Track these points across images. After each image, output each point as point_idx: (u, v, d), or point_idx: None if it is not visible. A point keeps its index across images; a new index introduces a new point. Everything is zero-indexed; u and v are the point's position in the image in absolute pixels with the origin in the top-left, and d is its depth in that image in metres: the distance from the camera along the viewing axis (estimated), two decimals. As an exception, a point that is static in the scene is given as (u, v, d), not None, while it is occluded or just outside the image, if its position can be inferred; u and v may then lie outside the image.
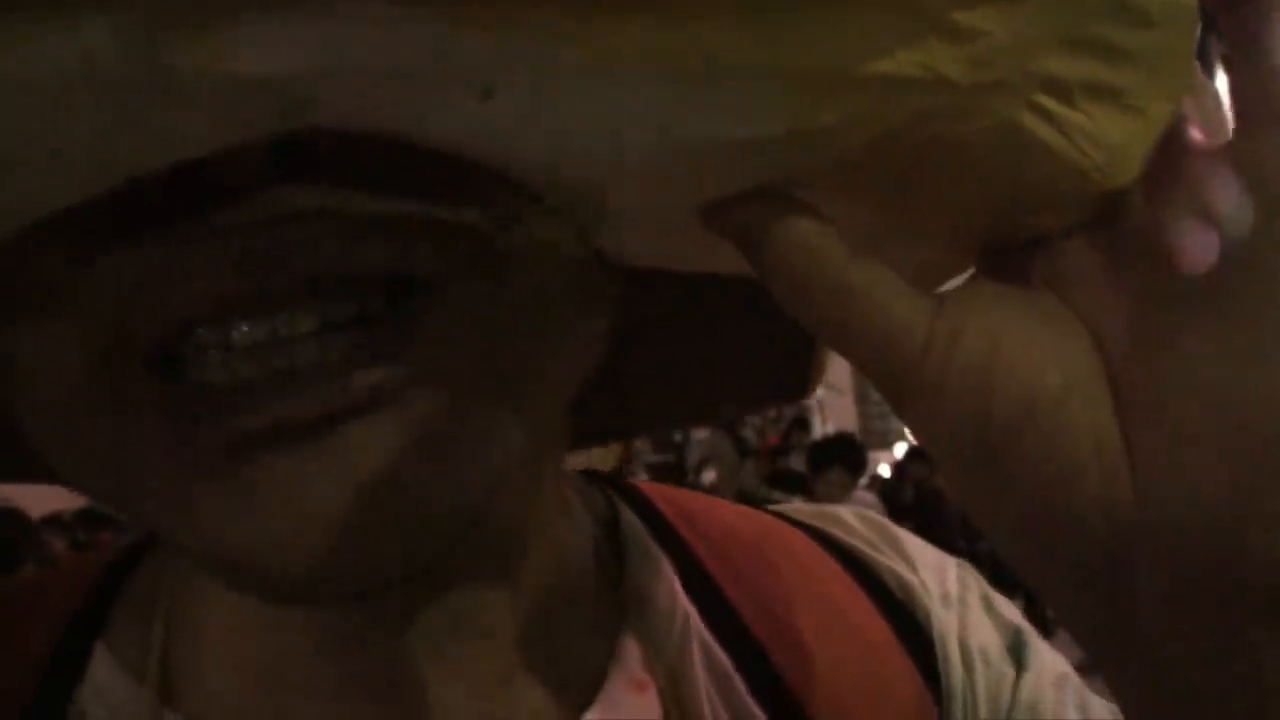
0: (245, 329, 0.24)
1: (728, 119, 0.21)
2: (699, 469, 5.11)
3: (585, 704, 0.34)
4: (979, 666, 0.39)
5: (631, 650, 0.36)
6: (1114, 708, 0.27)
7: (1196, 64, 0.26)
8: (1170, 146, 0.25)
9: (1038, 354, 0.24)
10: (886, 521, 0.44)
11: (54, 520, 3.86)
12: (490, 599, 0.34)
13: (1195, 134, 0.25)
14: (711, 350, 0.42)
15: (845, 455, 4.20)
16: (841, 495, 3.96)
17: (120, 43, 0.18)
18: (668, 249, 0.29)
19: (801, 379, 0.43)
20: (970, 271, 0.28)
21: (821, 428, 6.26)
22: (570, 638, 0.36)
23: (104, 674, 0.34)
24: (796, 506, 0.46)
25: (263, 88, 0.19)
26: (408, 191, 0.24)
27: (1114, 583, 0.24)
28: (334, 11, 0.18)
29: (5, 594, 0.38)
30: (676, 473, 4.97)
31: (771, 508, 0.46)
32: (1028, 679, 0.39)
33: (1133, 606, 0.24)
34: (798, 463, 5.08)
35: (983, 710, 0.38)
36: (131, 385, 0.25)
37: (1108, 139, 0.24)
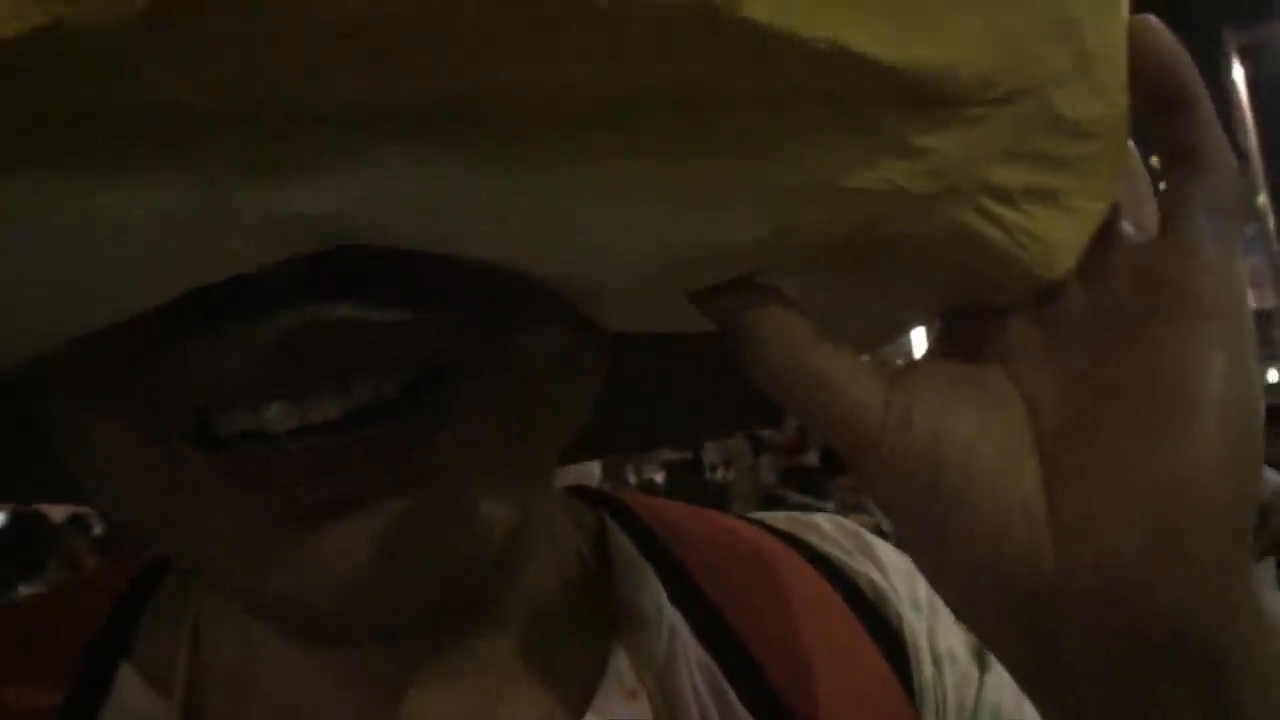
0: (275, 415, 0.28)
1: (716, 229, 0.24)
2: (715, 467, 5.12)
3: (579, 713, 0.36)
4: (947, 667, 0.41)
5: (622, 660, 0.37)
6: None
7: (1134, 157, 0.29)
8: (1105, 238, 0.28)
9: (979, 429, 0.27)
10: (860, 529, 0.46)
11: (76, 520, 3.90)
12: (485, 620, 0.36)
13: (1126, 226, 0.28)
14: (692, 378, 0.44)
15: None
16: (854, 497, 3.95)
17: (192, 188, 0.20)
18: (655, 320, 0.32)
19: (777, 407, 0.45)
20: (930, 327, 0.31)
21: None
22: (562, 650, 0.37)
23: (130, 693, 0.35)
24: (776, 515, 0.47)
25: (310, 220, 0.22)
26: (428, 295, 0.27)
27: (1039, 633, 0.26)
28: (366, 159, 0.20)
29: (31, 608, 0.40)
30: (694, 470, 4.98)
31: (752, 515, 0.47)
32: (990, 679, 0.41)
33: (1055, 653, 0.26)
34: (814, 459, 5.09)
35: (950, 709, 0.40)
36: (185, 462, 0.29)
37: (1046, 235, 0.27)
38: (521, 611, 0.37)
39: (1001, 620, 0.27)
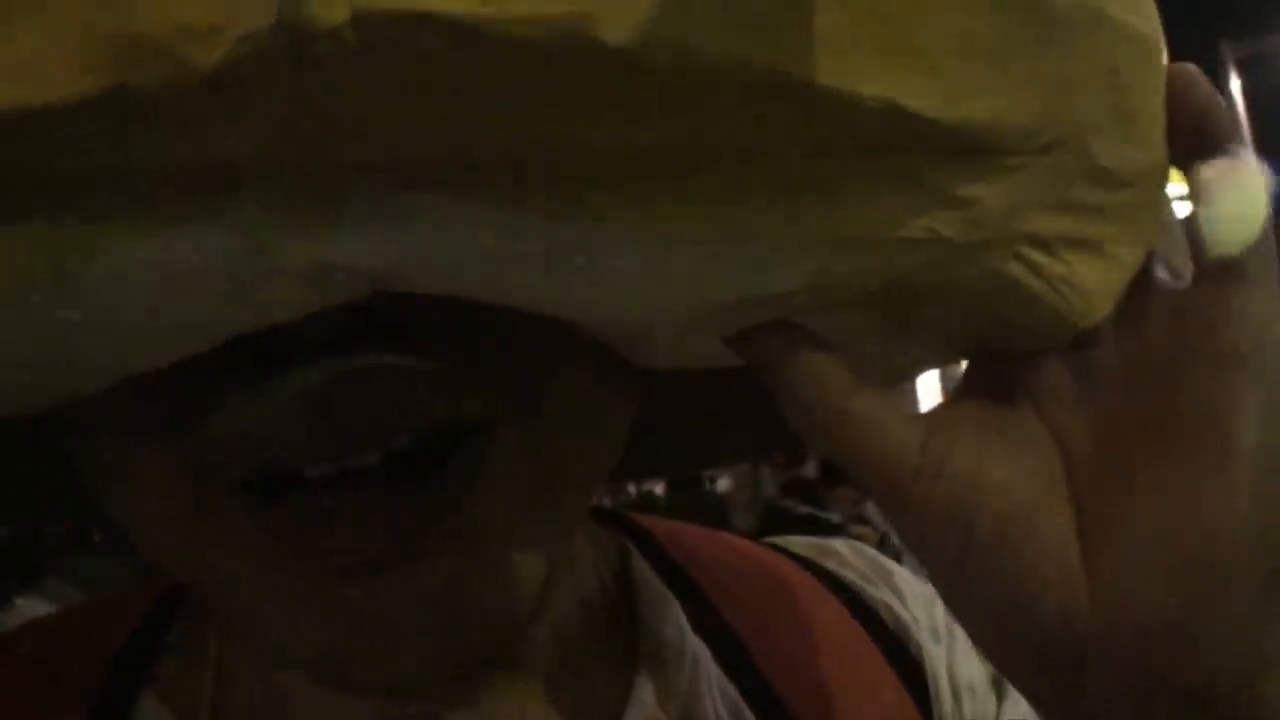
0: (315, 465, 0.28)
1: (758, 279, 0.24)
2: (715, 478, 5.11)
3: None
4: (966, 698, 0.41)
5: (646, 690, 0.38)
6: None
7: (1170, 205, 0.29)
8: (1140, 285, 0.28)
9: (1013, 476, 0.27)
10: (878, 554, 0.47)
11: (76, 533, 3.89)
12: (513, 659, 0.36)
13: (1161, 274, 0.28)
14: (712, 405, 0.44)
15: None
16: (854, 509, 3.93)
17: (236, 239, 0.21)
18: (689, 358, 0.32)
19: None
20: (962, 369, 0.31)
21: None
22: (587, 679, 0.38)
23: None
24: (794, 539, 0.48)
25: (354, 270, 0.22)
26: (461, 345, 0.28)
27: (1069, 679, 0.26)
28: (412, 211, 0.21)
29: (50, 630, 0.40)
30: (693, 482, 4.97)
31: (769, 539, 0.48)
32: (1008, 709, 0.41)
33: (1084, 701, 0.26)
34: (812, 469, 5.08)
35: None
36: (223, 510, 0.29)
37: (1084, 283, 0.27)
38: (548, 644, 0.37)
39: (1032, 667, 0.27)
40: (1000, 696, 0.42)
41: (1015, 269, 0.26)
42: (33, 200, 0.19)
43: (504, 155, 0.20)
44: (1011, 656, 0.28)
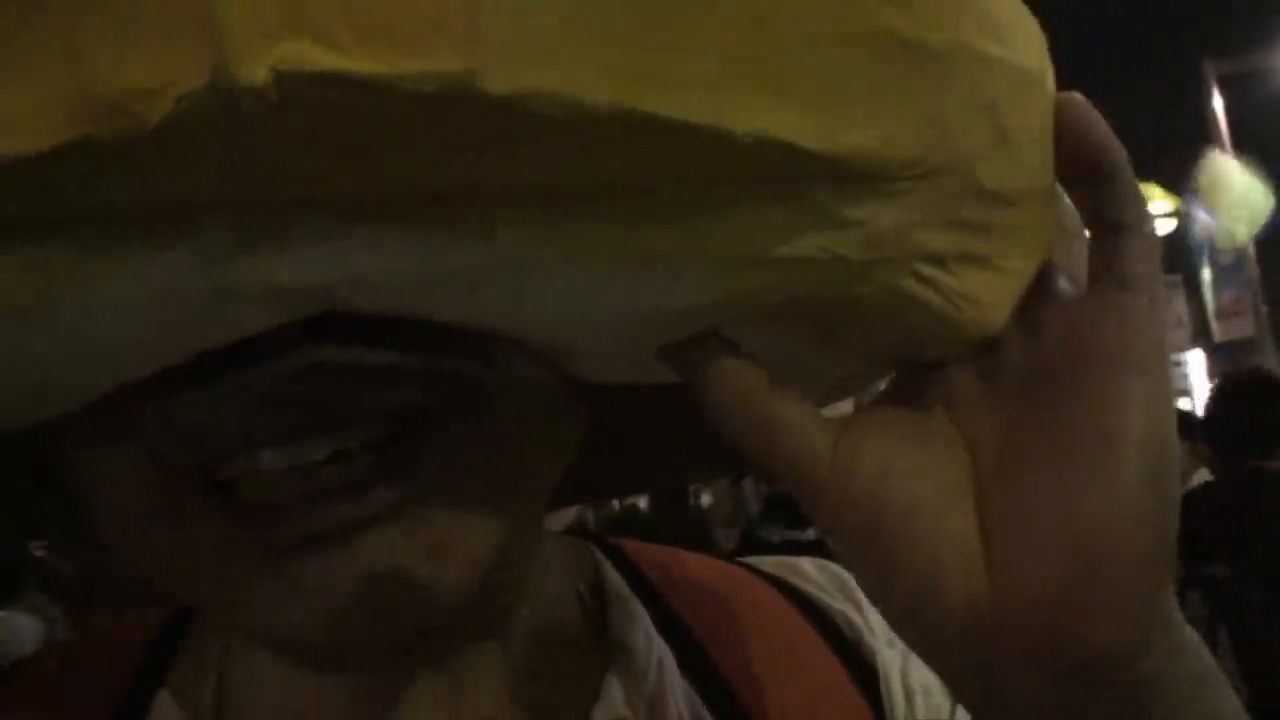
0: (269, 457, 0.30)
1: (670, 294, 0.26)
2: (699, 492, 5.11)
3: None
4: (920, 701, 0.43)
5: (615, 690, 0.40)
6: None
7: (1073, 217, 0.30)
8: (1039, 294, 0.30)
9: (918, 472, 0.29)
10: (841, 569, 0.48)
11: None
12: (483, 653, 0.38)
13: (1062, 283, 0.30)
14: (678, 425, 0.45)
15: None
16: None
17: (197, 267, 0.23)
18: (627, 372, 0.34)
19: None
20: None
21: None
22: (557, 680, 0.40)
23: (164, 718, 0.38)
24: (763, 559, 0.50)
25: (302, 290, 0.25)
26: (408, 346, 0.29)
27: (979, 663, 0.28)
28: (347, 239, 0.23)
29: (72, 652, 0.43)
30: (677, 496, 4.96)
31: (739, 560, 0.50)
32: (961, 713, 0.42)
33: (995, 683, 0.28)
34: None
35: None
36: (185, 501, 0.31)
37: (977, 295, 0.29)
38: (520, 643, 0.39)
39: (944, 650, 0.29)
40: (955, 701, 0.43)
41: (911, 285, 0.27)
42: (14, 235, 0.22)
43: (423, 189, 0.22)
44: (923, 637, 0.30)
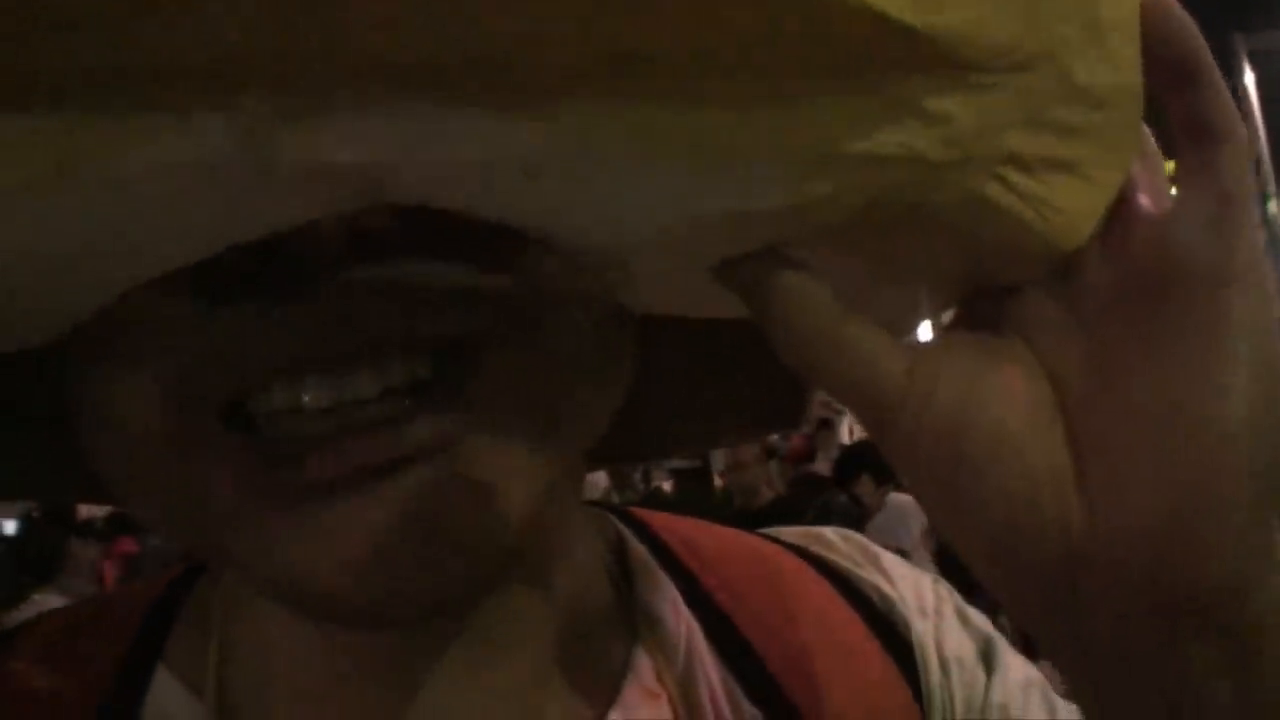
0: (313, 392, 0.28)
1: (737, 194, 0.25)
2: (724, 473, 5.11)
3: (603, 711, 0.37)
4: (955, 671, 0.42)
5: (644, 663, 0.39)
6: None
7: (1146, 133, 0.29)
8: (1121, 210, 0.28)
9: (1000, 399, 0.27)
10: (866, 540, 0.47)
11: (85, 526, 3.91)
12: (517, 620, 0.37)
13: (1143, 199, 0.28)
14: (713, 383, 0.45)
15: (871, 462, 4.13)
16: (874, 503, 3.90)
17: (231, 138, 0.21)
18: (681, 300, 0.32)
19: (796, 410, 0.46)
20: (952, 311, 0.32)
21: (848, 432, 6.22)
22: (588, 652, 0.38)
23: (165, 694, 0.36)
24: (785, 529, 0.48)
25: (345, 173, 0.23)
26: (455, 262, 0.28)
27: (1069, 599, 0.27)
28: (399, 110, 0.21)
29: (69, 615, 0.41)
30: (701, 478, 4.96)
31: (761, 531, 0.48)
32: (997, 681, 0.42)
33: (1083, 621, 0.26)
34: (823, 466, 5.06)
35: (959, 712, 0.41)
36: (207, 433, 0.28)
37: (1064, 205, 0.27)
38: (552, 610, 0.38)
39: (1029, 588, 0.27)
40: (989, 670, 0.42)
41: (994, 190, 0.26)
42: (35, 99, 0.20)
43: (490, 59, 0.21)
44: (1006, 576, 0.28)
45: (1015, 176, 0.26)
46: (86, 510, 3.82)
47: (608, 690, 0.38)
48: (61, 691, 0.37)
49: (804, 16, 0.21)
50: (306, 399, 0.28)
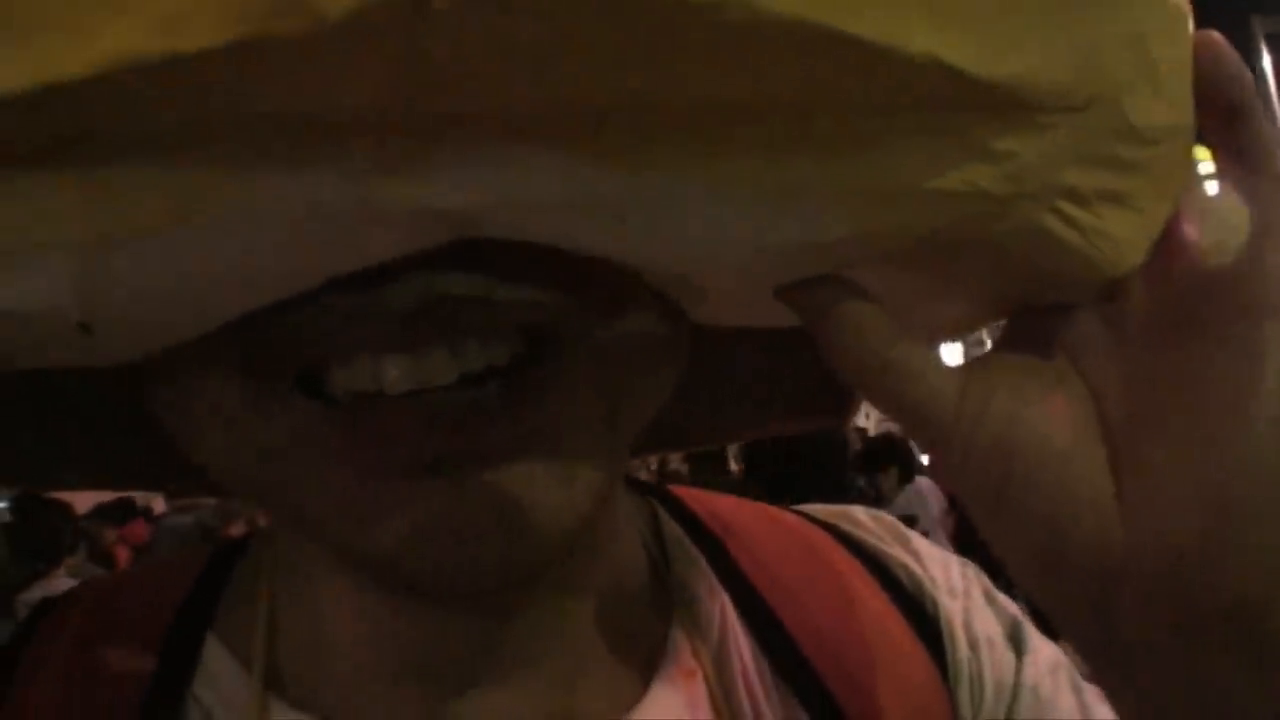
0: (394, 375, 0.29)
1: (809, 229, 0.26)
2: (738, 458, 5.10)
3: (643, 689, 0.38)
4: (984, 651, 0.42)
5: (681, 641, 0.40)
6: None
7: (1196, 168, 0.30)
8: (1168, 238, 0.29)
9: (1047, 419, 0.29)
10: (896, 520, 0.48)
11: (101, 510, 3.91)
12: (568, 597, 0.38)
13: (1189, 229, 0.29)
14: (762, 374, 0.46)
15: (895, 457, 4.13)
16: (892, 495, 3.90)
17: (341, 185, 0.22)
18: (742, 313, 0.34)
19: (842, 404, 0.47)
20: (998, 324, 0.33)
21: (866, 419, 6.21)
22: (629, 631, 0.39)
23: (215, 662, 0.37)
24: (815, 506, 0.49)
25: (445, 213, 0.24)
26: (540, 278, 0.29)
27: (1105, 611, 0.28)
28: (504, 159, 0.23)
29: (116, 585, 0.42)
30: (717, 460, 4.95)
31: (793, 508, 0.49)
32: (1028, 663, 0.42)
33: (1120, 630, 0.28)
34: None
35: (989, 692, 0.42)
36: (301, 411, 0.30)
37: (1116, 235, 0.28)
38: (598, 591, 0.38)
39: (1070, 598, 0.29)
40: (1019, 653, 0.43)
41: (1051, 221, 0.27)
42: (159, 148, 0.21)
43: (589, 108, 0.22)
44: (1049, 587, 0.29)
45: (1071, 209, 0.27)
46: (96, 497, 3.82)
47: (645, 669, 0.39)
48: (114, 659, 0.37)
49: (880, 70, 0.22)
50: (385, 382, 0.29)
